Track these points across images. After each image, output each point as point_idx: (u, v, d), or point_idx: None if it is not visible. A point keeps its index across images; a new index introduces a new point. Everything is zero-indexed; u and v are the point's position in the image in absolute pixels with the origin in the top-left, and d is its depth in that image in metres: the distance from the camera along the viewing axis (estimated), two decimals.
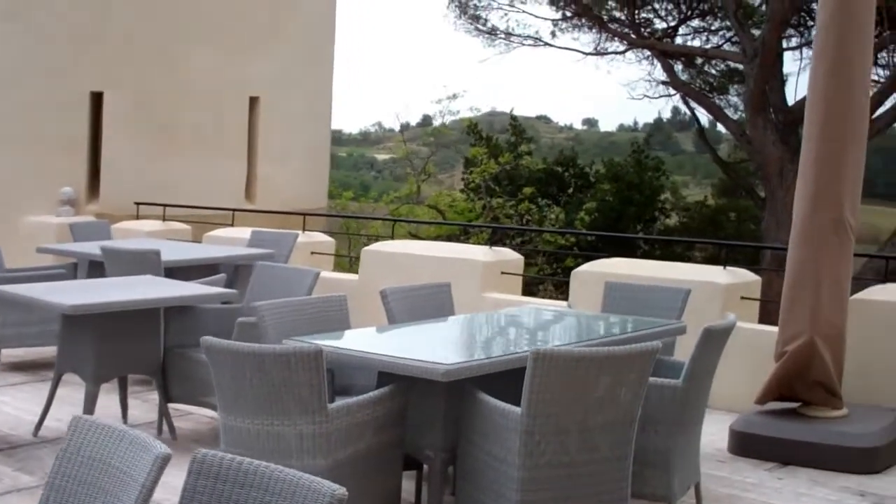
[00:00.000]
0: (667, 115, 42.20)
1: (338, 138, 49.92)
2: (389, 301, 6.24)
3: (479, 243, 18.00)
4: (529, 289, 21.31)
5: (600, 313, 6.60)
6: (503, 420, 4.33)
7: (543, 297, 16.21)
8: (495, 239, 17.97)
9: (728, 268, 8.22)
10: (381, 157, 36.50)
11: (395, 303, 6.26)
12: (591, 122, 64.31)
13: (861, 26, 6.50)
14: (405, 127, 30.37)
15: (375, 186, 34.65)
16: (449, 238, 21.22)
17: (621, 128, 51.30)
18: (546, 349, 4.20)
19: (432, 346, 5.47)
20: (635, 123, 47.44)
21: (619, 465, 4.42)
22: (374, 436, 4.68)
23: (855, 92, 6.51)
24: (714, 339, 5.08)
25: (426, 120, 30.83)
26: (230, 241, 10.72)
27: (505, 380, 4.67)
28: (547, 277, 21.54)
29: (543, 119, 59.39)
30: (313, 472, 4.33)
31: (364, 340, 5.47)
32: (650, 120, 46.53)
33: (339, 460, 4.47)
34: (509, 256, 9.76)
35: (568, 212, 24.57)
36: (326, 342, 5.00)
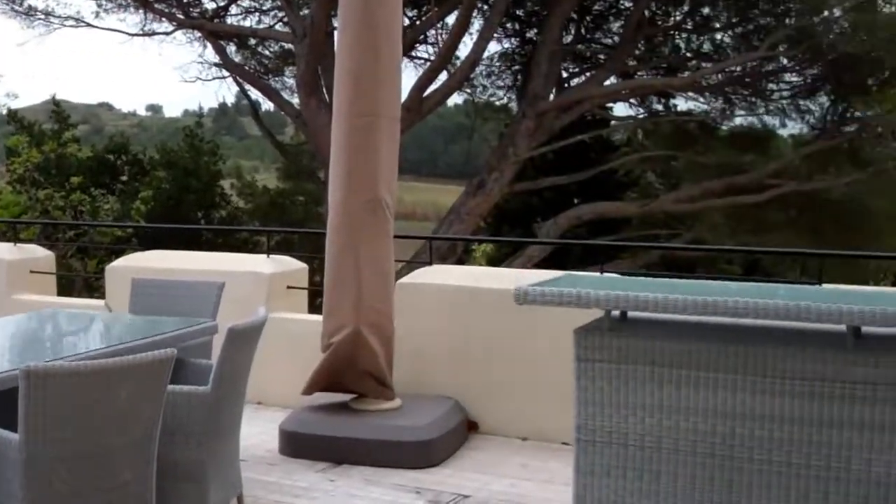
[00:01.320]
0: (232, 99, 41.84)
1: None
2: None
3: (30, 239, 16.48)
4: (90, 285, 19.96)
5: (128, 314, 5.95)
6: (1, 448, 3.73)
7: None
8: (48, 234, 16.52)
9: (272, 256, 7.73)
10: None
11: None
12: (155, 108, 63.80)
13: None
14: None
15: None
16: None
17: (186, 113, 50.54)
18: (37, 366, 3.60)
19: None
20: (200, 108, 46.90)
21: (139, 488, 3.96)
22: None
23: (383, 64, 6.15)
24: (241, 339, 4.65)
25: None
26: None
27: (7, 401, 3.92)
28: (79, 275, 20.29)
29: (106, 106, 58.09)
30: None
31: None
32: (215, 104, 46.15)
33: None
34: (38, 253, 8.77)
35: (123, 201, 23.41)
36: None
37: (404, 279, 6.92)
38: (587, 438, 4.04)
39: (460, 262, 22.78)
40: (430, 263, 7.33)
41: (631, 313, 4.17)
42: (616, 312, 4.13)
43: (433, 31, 19.89)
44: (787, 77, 20.67)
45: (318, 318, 6.81)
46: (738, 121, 21.86)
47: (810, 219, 20.32)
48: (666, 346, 3.90)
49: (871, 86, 19.05)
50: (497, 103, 23.10)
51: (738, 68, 20.42)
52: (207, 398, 4.54)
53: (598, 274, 6.31)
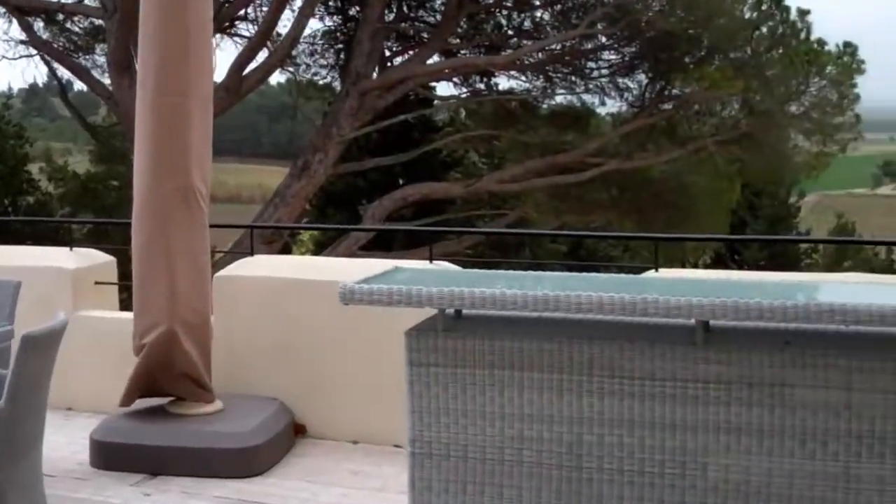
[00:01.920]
0: (44, 78, 40.37)
1: None
2: None
3: None
4: None
5: None
6: None
7: None
8: None
9: (76, 249, 7.16)
10: None
11: None
12: None
13: None
14: None
15: None
16: None
17: None
18: None
19: None
20: (10, 89, 45.15)
21: None
22: None
23: (192, 40, 5.66)
24: (38, 347, 4.18)
25: None
26: None
27: None
28: None
29: None
30: None
31: None
32: (25, 84, 44.52)
33: None
34: None
35: None
36: None
37: (222, 272, 6.45)
38: (422, 451, 3.69)
39: (286, 246, 22.36)
40: (251, 254, 6.89)
41: (467, 311, 3.85)
42: (451, 310, 3.81)
43: (252, 7, 19.32)
44: (606, 55, 20.91)
45: (130, 315, 6.34)
46: (558, 99, 22.05)
47: (632, 197, 20.66)
48: (505, 346, 3.58)
49: (688, 63, 19.38)
50: (320, 82, 22.70)
51: (558, 47, 20.55)
52: (2, 414, 4.09)
53: (428, 263, 6.02)
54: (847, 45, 19.64)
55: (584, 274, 4.29)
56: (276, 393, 6.15)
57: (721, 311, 3.28)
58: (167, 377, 5.81)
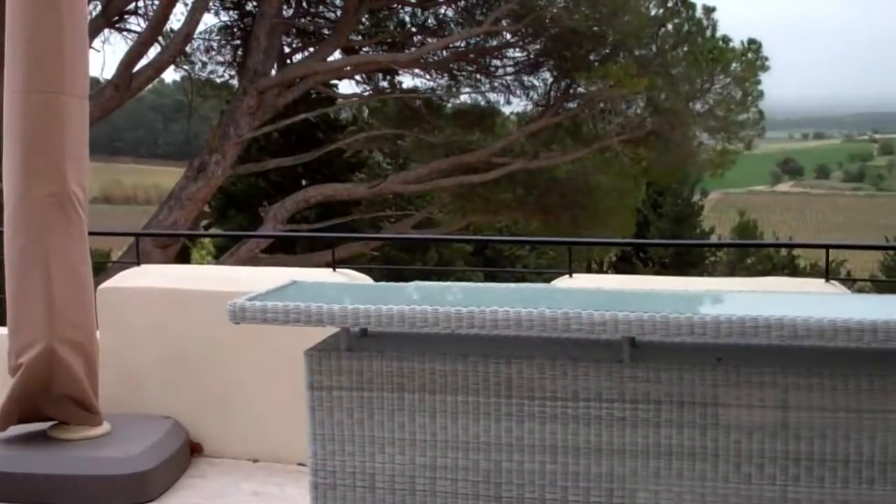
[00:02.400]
0: None
1: None
2: None
3: None
4: None
5: None
6: None
7: None
8: None
9: None
10: None
11: None
12: None
13: None
14: None
15: None
16: None
17: None
18: None
19: None
20: None
21: None
22: None
23: (67, 31, 5.22)
24: None
25: None
26: None
27: None
28: None
29: None
30: None
31: None
32: None
33: None
34: None
35: None
36: None
37: (107, 284, 6.00)
38: (326, 481, 3.35)
39: (185, 249, 21.74)
40: (137, 263, 6.45)
41: (373, 328, 3.51)
42: (355, 328, 3.46)
43: (142, 0, 18.67)
44: (511, 53, 20.76)
45: (5, 332, 5.86)
46: (463, 98, 21.85)
47: (538, 197, 20.53)
48: (415, 366, 3.26)
49: (593, 61, 19.29)
50: (217, 80, 22.07)
51: (462, 44, 20.34)
52: None
53: (331, 272, 5.67)
54: (751, 42, 19.77)
55: (498, 284, 3.98)
56: (169, 411, 5.74)
57: (650, 326, 3.00)
58: (47, 399, 5.35)
